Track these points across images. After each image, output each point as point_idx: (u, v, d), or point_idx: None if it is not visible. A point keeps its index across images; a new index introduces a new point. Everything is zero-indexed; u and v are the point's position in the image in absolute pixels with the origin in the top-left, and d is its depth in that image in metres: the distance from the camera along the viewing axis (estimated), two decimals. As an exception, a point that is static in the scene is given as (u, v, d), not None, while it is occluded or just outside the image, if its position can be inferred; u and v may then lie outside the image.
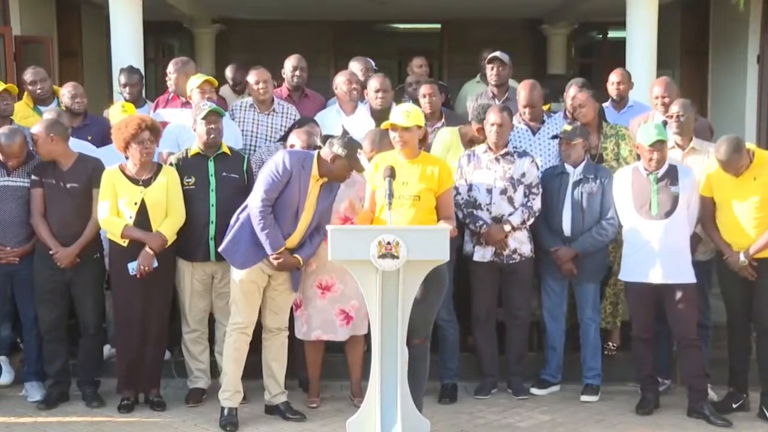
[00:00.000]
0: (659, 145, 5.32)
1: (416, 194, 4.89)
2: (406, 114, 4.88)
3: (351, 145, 5.02)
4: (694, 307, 5.47)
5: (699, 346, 5.49)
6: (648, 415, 5.50)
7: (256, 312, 5.26)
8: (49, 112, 6.04)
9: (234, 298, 5.22)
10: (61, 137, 5.51)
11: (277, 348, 5.37)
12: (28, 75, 6.79)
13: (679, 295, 5.37)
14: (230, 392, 5.27)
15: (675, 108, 5.73)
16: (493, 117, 5.66)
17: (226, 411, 5.24)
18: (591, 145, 5.99)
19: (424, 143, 5.08)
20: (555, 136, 5.89)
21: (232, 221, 5.17)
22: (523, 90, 6.13)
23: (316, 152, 5.10)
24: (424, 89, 6.28)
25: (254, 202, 5.04)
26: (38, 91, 6.70)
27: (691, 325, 5.44)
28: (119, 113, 5.96)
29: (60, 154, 5.50)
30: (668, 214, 5.34)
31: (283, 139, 5.98)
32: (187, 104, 6.40)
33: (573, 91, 6.25)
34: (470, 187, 5.69)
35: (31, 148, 5.64)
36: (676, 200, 5.34)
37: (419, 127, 4.94)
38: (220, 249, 5.20)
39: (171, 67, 6.67)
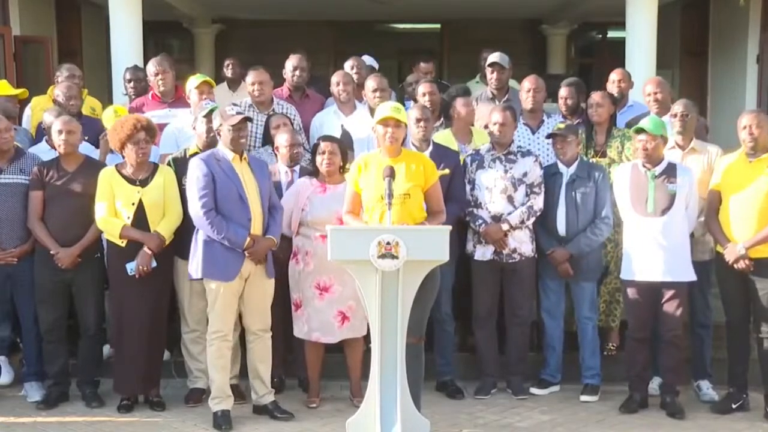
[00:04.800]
0: (645, 135, 5.31)
1: (405, 192, 4.82)
2: (396, 110, 4.84)
3: (222, 113, 5.25)
4: (684, 307, 5.47)
5: (679, 346, 5.50)
6: (633, 413, 5.49)
7: (233, 318, 5.26)
8: (50, 112, 6.01)
9: (211, 306, 5.22)
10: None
11: (261, 350, 5.34)
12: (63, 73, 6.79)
13: (671, 293, 5.38)
14: (220, 398, 5.26)
15: (679, 108, 5.73)
16: (496, 116, 5.69)
17: (219, 413, 5.22)
18: (597, 143, 6.03)
19: (402, 141, 5.06)
20: (550, 135, 5.89)
21: (192, 245, 5.17)
22: (527, 81, 6.29)
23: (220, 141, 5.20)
24: (423, 87, 6.29)
25: (195, 214, 5.09)
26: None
27: (678, 324, 5.44)
28: (111, 117, 5.91)
29: (77, 154, 5.54)
30: (665, 211, 5.34)
31: (267, 143, 6.02)
32: (174, 104, 6.39)
33: (564, 91, 6.31)
34: (473, 186, 5.70)
35: (19, 144, 5.67)
36: (673, 198, 5.34)
37: (405, 125, 4.93)
38: (200, 276, 5.17)
39: (159, 66, 6.55)
